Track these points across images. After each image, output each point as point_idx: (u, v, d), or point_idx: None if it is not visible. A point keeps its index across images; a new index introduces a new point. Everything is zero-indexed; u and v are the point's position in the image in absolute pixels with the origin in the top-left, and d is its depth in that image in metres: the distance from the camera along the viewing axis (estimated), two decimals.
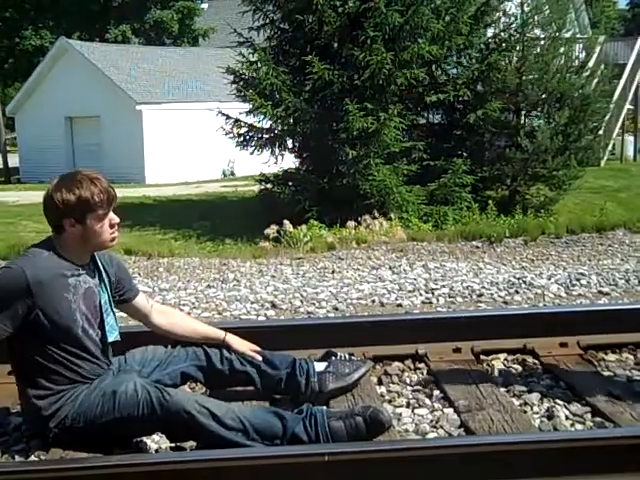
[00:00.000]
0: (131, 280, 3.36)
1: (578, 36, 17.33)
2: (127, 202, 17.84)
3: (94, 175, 2.95)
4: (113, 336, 3.11)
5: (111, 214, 2.99)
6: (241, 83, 14.59)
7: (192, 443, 3.02)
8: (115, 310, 3.19)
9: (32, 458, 2.92)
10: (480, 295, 5.72)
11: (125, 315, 3.47)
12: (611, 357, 3.83)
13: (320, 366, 3.43)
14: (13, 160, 29.78)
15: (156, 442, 3.08)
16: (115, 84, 25.74)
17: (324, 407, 3.07)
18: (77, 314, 2.96)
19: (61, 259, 2.94)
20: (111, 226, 2.98)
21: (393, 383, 3.57)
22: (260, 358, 3.34)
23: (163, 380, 3.14)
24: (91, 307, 3.02)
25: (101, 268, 3.11)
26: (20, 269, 2.83)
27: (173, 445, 3.04)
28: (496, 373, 3.69)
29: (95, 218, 2.92)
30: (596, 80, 15.51)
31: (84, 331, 2.99)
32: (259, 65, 14.34)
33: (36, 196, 18.32)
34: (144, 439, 3.06)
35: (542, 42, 14.81)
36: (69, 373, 2.97)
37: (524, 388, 3.49)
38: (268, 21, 14.71)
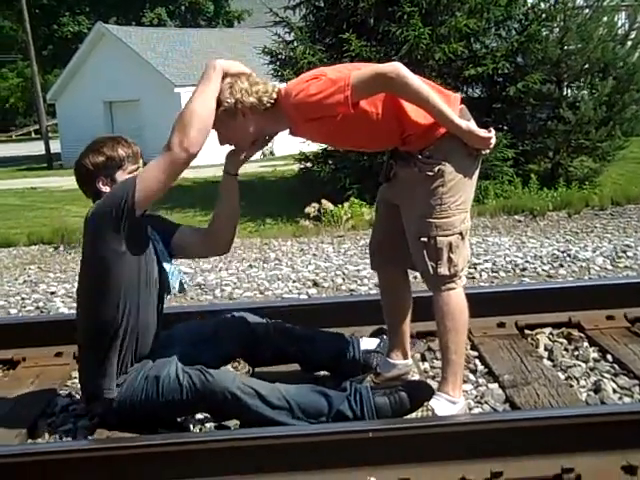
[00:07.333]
0: (170, 221, 3.27)
1: (621, 4, 16.91)
2: None
3: (115, 136, 3.05)
4: (177, 285, 3.10)
5: (141, 169, 3.00)
6: (278, 63, 14.54)
7: (236, 422, 3.03)
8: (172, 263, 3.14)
9: (78, 438, 2.97)
10: (524, 269, 5.66)
11: None
12: None
13: (370, 343, 3.42)
14: (54, 146, 30.16)
15: (200, 422, 3.10)
16: (153, 67, 25.88)
17: (368, 384, 3.06)
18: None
19: None
20: None
21: (437, 359, 3.54)
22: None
23: (207, 358, 3.10)
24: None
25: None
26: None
27: (217, 424, 3.06)
28: (541, 347, 3.65)
29: (125, 174, 2.96)
30: None
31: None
32: (295, 44, 14.26)
33: None
34: (188, 419, 3.09)
35: (584, 11, 14.49)
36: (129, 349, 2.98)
37: (570, 362, 3.44)
38: None
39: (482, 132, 2.83)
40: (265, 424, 2.82)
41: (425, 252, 2.88)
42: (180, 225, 3.25)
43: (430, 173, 2.84)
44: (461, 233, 2.89)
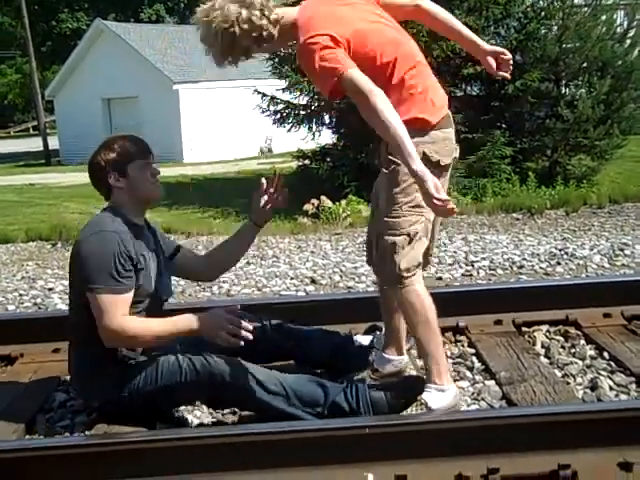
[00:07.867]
0: (171, 240, 3.44)
1: (620, 2, 16.91)
2: (165, 181, 17.96)
3: (126, 133, 3.18)
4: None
5: (152, 165, 3.08)
6: (277, 60, 14.53)
7: (234, 418, 3.04)
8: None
9: (76, 434, 2.97)
10: (521, 267, 5.66)
11: None
12: None
13: (364, 340, 3.44)
14: (53, 142, 30.12)
15: (198, 417, 3.11)
16: (151, 64, 25.86)
17: (365, 378, 3.08)
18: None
19: (127, 220, 2.98)
20: (152, 175, 3.07)
21: None
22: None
23: None
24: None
25: (152, 230, 3.19)
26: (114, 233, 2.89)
27: (215, 420, 3.07)
28: (538, 345, 3.65)
29: (135, 168, 3.01)
30: (639, 47, 15.15)
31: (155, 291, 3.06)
32: None
33: (76, 177, 18.53)
34: (186, 414, 3.10)
35: (583, 9, 14.50)
36: None
37: (567, 359, 3.45)
38: None
39: (433, 191, 2.55)
40: (260, 408, 2.87)
41: (375, 248, 2.97)
42: (180, 246, 3.41)
43: (385, 171, 2.90)
44: (409, 234, 2.87)
